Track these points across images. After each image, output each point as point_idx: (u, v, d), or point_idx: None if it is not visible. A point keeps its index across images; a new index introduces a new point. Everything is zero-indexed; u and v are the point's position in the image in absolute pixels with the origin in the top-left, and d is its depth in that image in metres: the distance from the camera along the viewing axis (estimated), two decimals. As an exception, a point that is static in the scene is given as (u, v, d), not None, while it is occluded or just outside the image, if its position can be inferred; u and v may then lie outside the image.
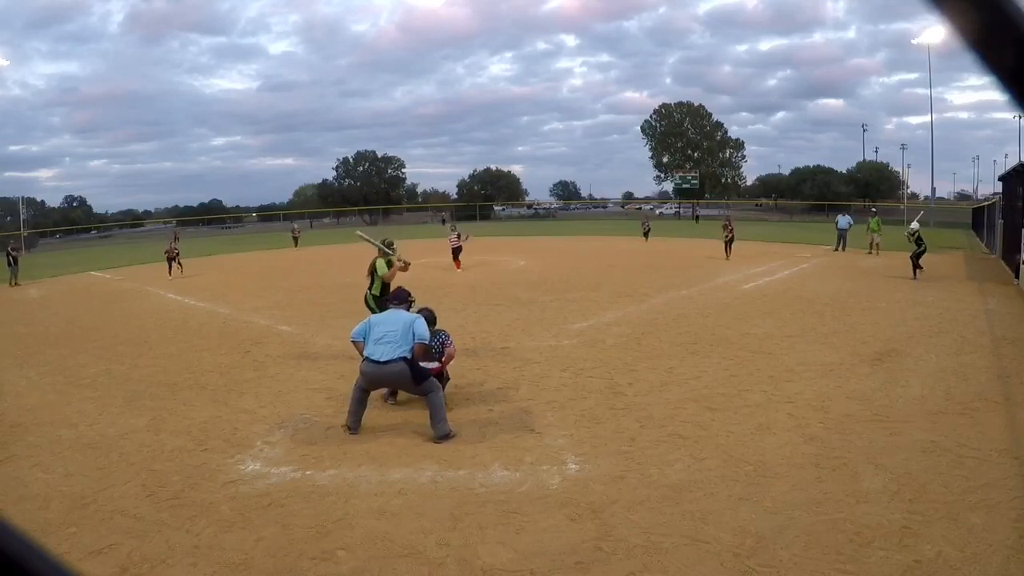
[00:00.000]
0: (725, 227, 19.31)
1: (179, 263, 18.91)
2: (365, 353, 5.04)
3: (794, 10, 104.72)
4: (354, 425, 5.12)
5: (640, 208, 40.75)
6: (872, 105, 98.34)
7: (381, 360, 4.92)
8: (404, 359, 4.95)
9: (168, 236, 22.53)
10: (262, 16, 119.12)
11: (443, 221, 46.29)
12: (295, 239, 30.89)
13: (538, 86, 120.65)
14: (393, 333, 4.99)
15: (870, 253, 18.66)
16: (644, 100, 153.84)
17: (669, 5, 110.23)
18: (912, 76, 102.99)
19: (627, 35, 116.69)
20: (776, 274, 14.99)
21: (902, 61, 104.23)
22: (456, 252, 17.41)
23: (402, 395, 5.84)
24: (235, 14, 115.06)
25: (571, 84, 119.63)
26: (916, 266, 13.24)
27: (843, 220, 20.88)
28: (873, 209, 24.28)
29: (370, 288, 7.16)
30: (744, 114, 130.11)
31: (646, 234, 27.05)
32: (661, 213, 53.09)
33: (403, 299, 5.44)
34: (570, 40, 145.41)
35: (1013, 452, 4.33)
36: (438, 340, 5.64)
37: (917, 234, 13.29)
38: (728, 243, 18.95)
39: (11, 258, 19.03)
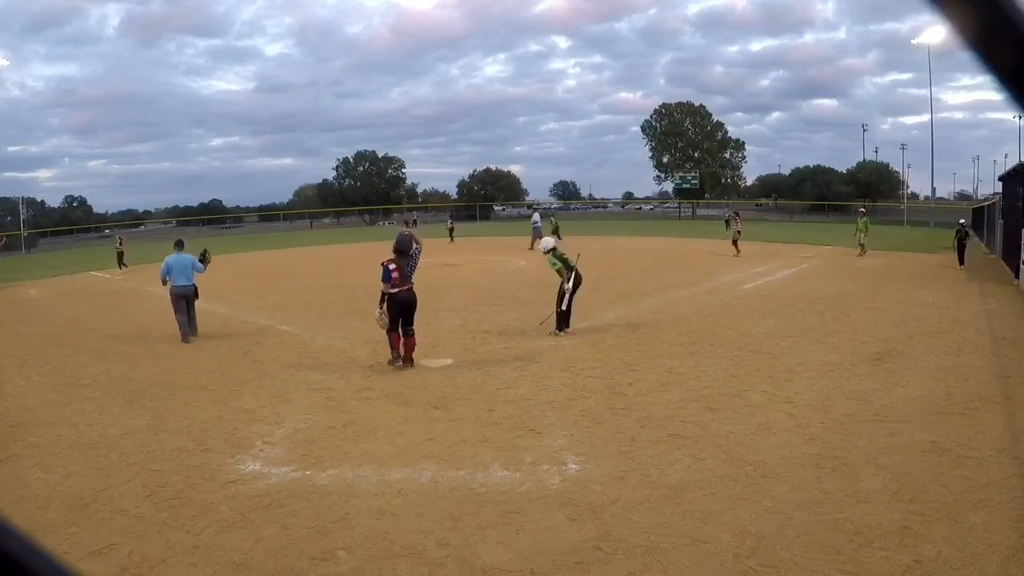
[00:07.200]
0: (735, 220, 20.29)
1: None
2: (172, 282, 8.98)
3: (783, 11, 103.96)
4: (188, 333, 8.89)
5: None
6: (866, 105, 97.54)
7: (182, 284, 8.99)
8: (193, 285, 9.14)
9: None
10: (257, 19, 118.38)
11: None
12: (120, 255, 21.33)
13: (533, 87, 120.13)
14: (184, 270, 9.08)
15: (860, 254, 18.53)
16: (639, 101, 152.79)
17: (659, 6, 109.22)
18: (905, 76, 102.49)
19: (618, 36, 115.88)
20: (776, 274, 14.99)
21: (894, 61, 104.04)
22: None
23: (404, 396, 5.85)
24: (230, 17, 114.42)
25: (566, 85, 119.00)
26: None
27: (535, 216, 23.53)
28: (861, 209, 23.77)
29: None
30: (739, 114, 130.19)
31: (450, 232, 29.25)
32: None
33: (183, 245, 9.44)
34: (562, 41, 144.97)
35: (1013, 452, 4.33)
36: (411, 263, 7.11)
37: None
38: (735, 239, 19.47)
39: None
